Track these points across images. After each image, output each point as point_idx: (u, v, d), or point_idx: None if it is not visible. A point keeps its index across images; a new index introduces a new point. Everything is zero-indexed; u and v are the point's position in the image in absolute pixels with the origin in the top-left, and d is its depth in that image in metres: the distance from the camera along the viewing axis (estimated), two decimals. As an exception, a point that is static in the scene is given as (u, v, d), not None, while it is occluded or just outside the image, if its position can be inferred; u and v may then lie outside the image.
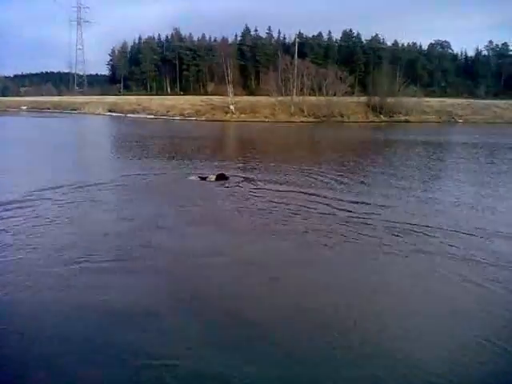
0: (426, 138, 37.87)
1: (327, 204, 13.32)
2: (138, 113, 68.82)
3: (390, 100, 64.51)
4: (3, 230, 10.52)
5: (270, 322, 6.59)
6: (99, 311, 6.83)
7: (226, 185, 16.00)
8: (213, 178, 16.52)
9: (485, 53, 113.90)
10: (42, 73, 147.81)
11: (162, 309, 6.94)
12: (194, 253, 9.35)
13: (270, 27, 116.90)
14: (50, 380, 5.32)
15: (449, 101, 72.71)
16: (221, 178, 16.45)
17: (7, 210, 12.27)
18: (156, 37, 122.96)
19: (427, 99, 70.42)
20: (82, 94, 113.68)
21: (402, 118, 63.30)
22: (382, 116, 64.00)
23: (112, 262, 8.75)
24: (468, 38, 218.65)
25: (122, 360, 5.62)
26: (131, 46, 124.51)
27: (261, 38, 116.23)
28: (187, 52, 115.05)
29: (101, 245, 9.64)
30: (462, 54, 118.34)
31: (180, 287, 7.83)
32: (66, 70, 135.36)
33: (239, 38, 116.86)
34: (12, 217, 11.60)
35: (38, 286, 7.63)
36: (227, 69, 67.68)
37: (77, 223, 11.42)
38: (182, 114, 65.37)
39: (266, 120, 61.05)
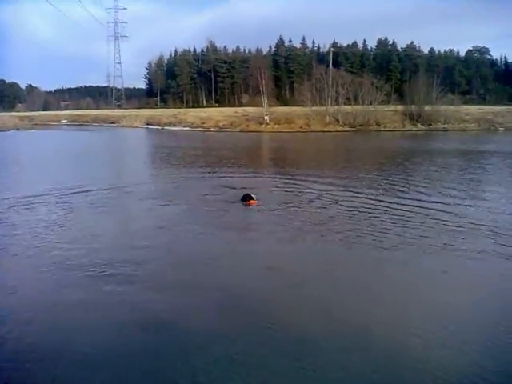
0: (474, 147, 36.76)
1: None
2: (174, 125, 69.85)
3: (427, 108, 63.38)
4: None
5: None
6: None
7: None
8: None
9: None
10: (81, 87, 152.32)
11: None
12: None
13: (304, 37, 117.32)
14: None
15: (488, 108, 70.90)
16: (245, 199, 14.68)
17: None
18: (191, 50, 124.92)
19: (466, 107, 68.90)
20: (120, 107, 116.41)
21: (441, 126, 62.03)
22: (419, 124, 62.88)
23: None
24: (508, 43, 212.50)
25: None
26: (167, 60, 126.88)
27: (295, 48, 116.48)
28: (222, 64, 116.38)
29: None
30: (501, 59, 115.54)
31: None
32: (105, 84, 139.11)
33: (273, 49, 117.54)
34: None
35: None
36: (262, 80, 68.01)
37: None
38: (217, 126, 65.96)
39: (301, 130, 60.88)
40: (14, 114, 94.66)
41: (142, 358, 5.90)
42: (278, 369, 5.65)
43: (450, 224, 12.03)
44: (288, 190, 17.32)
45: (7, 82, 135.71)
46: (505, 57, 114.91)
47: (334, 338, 6.38)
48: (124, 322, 6.85)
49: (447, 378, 5.46)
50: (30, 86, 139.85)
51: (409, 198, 15.46)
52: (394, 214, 13.17)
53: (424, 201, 14.96)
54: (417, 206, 14.11)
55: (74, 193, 16.80)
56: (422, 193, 16.57)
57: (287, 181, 19.45)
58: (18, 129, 67.93)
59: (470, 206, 14.43)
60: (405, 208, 13.90)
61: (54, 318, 7.14)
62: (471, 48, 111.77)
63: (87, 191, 17.10)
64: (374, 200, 15.22)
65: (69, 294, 7.91)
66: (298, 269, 9.08)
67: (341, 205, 14.48)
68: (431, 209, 13.77)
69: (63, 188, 17.63)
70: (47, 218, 13.13)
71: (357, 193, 16.58)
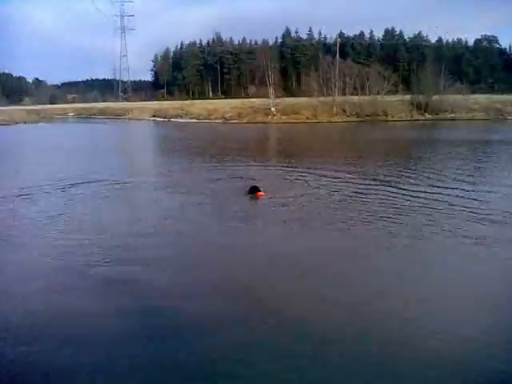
0: (482, 137, 36.37)
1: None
2: (181, 117, 69.76)
3: (435, 98, 62.91)
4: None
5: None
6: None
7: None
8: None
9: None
10: (87, 80, 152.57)
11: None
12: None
13: (310, 28, 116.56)
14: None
15: (497, 97, 70.17)
16: (253, 190, 14.44)
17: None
18: (197, 42, 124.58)
19: (474, 96, 68.26)
20: (127, 100, 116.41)
21: (449, 115, 61.54)
22: (427, 114, 62.43)
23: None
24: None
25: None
26: (173, 52, 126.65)
27: (301, 39, 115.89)
28: (228, 56, 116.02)
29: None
30: (510, 48, 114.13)
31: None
32: (111, 77, 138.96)
33: (280, 40, 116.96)
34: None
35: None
36: (268, 71, 67.74)
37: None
38: (223, 117, 65.77)
39: (308, 121, 60.62)
40: (21, 107, 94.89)
41: (147, 341, 5.96)
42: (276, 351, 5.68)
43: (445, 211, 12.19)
44: (296, 180, 17.34)
45: (14, 75, 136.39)
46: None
47: (333, 324, 6.40)
48: (126, 308, 6.93)
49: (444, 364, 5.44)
50: (37, 79, 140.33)
51: (419, 189, 15.44)
52: (403, 204, 13.18)
53: (430, 191, 14.97)
54: (423, 196, 14.17)
55: (79, 184, 16.98)
56: (431, 183, 16.54)
57: (295, 171, 19.46)
58: (25, 122, 68.08)
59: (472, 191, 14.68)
60: (414, 197, 13.95)
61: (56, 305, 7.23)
62: (480, 37, 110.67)
63: (92, 182, 17.32)
64: (382, 190, 15.21)
65: (68, 278, 8.14)
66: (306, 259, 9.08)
67: (348, 195, 14.50)
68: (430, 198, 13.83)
69: (67, 178, 17.88)
70: (51, 207, 13.40)
71: (364, 183, 16.57)
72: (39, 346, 5.92)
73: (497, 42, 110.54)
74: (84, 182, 17.15)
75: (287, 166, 21.22)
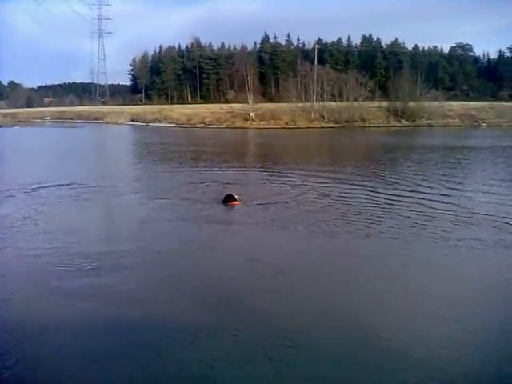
0: (455, 143, 37.02)
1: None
2: (159, 122, 69.51)
3: (411, 104, 63.98)
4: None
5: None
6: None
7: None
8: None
9: (508, 55, 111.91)
10: (64, 84, 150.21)
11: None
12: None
13: (289, 34, 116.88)
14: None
15: (471, 104, 71.65)
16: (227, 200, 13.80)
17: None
18: (176, 46, 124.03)
19: (449, 103, 69.59)
20: (104, 104, 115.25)
21: (425, 122, 62.67)
22: (403, 120, 63.45)
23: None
24: (490, 40, 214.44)
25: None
26: (152, 56, 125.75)
27: (280, 45, 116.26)
28: (207, 61, 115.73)
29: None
30: (484, 56, 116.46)
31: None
32: (89, 81, 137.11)
33: (258, 46, 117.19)
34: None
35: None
36: (247, 76, 68.00)
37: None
38: (202, 122, 65.79)
39: (287, 126, 61.01)
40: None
41: (120, 354, 5.84)
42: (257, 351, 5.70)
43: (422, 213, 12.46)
44: (273, 185, 17.34)
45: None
46: (487, 53, 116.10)
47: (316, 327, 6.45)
48: (104, 315, 6.81)
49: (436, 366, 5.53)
50: (13, 82, 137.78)
51: (393, 190, 15.65)
52: (378, 205, 13.43)
53: (400, 194, 15.21)
54: (398, 197, 14.35)
55: (51, 187, 16.72)
56: (402, 186, 16.80)
57: (272, 176, 19.56)
58: (0, 126, 67.01)
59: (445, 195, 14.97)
60: (388, 199, 14.22)
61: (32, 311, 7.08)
62: (454, 45, 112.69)
63: (63, 185, 17.04)
64: (359, 192, 15.41)
65: (49, 283, 7.93)
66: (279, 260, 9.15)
67: (325, 199, 14.60)
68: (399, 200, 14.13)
69: (42, 182, 17.54)
70: (25, 211, 13.07)
71: (341, 187, 16.76)
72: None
73: (471, 50, 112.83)
74: (55, 185, 16.89)
75: (265, 171, 21.36)
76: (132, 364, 5.54)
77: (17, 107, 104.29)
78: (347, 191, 15.80)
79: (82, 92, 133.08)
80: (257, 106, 67.17)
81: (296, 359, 5.58)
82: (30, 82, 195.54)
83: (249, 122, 63.74)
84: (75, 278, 8.10)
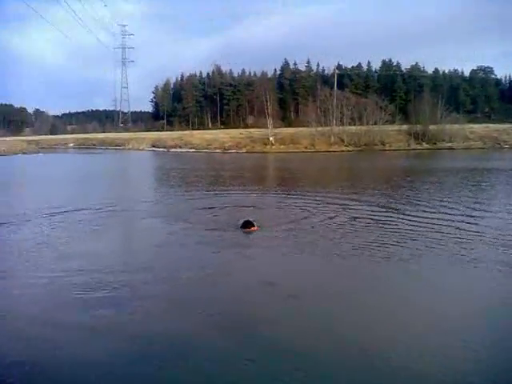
0: (479, 165, 36.33)
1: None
2: (180, 147, 70.20)
3: (432, 127, 63.52)
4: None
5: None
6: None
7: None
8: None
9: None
10: (88, 111, 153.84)
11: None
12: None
13: (308, 60, 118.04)
14: None
15: (493, 126, 70.80)
16: (245, 225, 13.51)
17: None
18: (198, 74, 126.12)
19: (471, 125, 68.91)
20: (127, 130, 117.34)
21: (446, 144, 62.04)
22: (424, 143, 62.96)
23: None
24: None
25: None
26: (174, 84, 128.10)
27: (300, 71, 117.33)
28: (227, 87, 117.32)
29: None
30: (506, 78, 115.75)
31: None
32: (111, 108, 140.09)
33: (278, 72, 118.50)
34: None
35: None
36: (267, 102, 68.54)
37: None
38: (222, 147, 66.22)
39: (306, 150, 61.03)
40: (21, 138, 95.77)
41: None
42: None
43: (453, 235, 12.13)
44: (291, 209, 17.13)
45: (15, 106, 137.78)
46: (509, 76, 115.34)
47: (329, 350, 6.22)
48: (120, 347, 6.64)
49: None
50: (38, 110, 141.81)
51: (413, 215, 15.29)
52: (399, 229, 13.13)
53: (425, 216, 14.85)
54: (422, 220, 14.00)
55: (69, 212, 16.77)
56: (424, 208, 16.43)
57: (290, 200, 19.36)
58: (24, 152, 68.53)
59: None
60: (410, 222, 13.91)
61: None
62: (475, 68, 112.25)
63: (82, 210, 17.14)
64: (377, 217, 15.12)
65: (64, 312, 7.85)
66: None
67: (348, 223, 14.32)
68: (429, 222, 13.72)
69: (62, 207, 17.64)
70: (46, 234, 13.19)
71: (363, 209, 16.57)
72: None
73: (492, 72, 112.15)
74: (74, 210, 16.98)
75: (284, 194, 21.28)
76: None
77: (41, 134, 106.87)
78: (369, 214, 15.55)
79: (105, 119, 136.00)
80: (276, 130, 67.53)
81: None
82: (55, 109, 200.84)
83: (268, 146, 63.99)
84: (89, 307, 7.96)
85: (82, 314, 7.61)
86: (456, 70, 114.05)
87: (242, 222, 13.73)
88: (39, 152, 70.98)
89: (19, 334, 7.04)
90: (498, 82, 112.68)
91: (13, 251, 11.45)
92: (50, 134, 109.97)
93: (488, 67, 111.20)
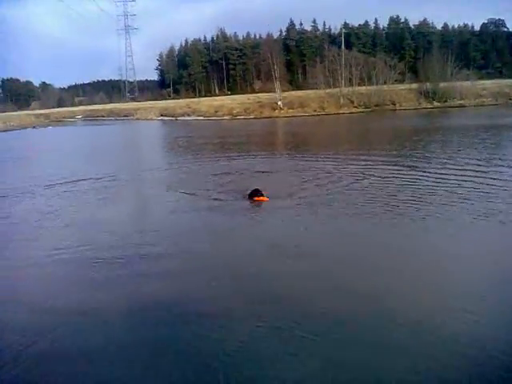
0: (495, 122, 35.84)
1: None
2: (188, 115, 69.92)
3: (442, 85, 62.47)
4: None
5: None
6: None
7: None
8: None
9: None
10: (94, 82, 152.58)
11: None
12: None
13: (314, 20, 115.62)
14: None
15: (505, 82, 69.37)
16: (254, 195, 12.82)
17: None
18: (202, 39, 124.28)
19: (482, 82, 67.63)
20: (134, 100, 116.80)
21: (457, 102, 61.09)
22: (435, 102, 62.05)
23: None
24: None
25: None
26: (178, 50, 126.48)
27: (306, 31, 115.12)
28: (233, 51, 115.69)
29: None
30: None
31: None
32: (117, 78, 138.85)
33: (284, 33, 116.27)
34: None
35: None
36: (273, 65, 67.63)
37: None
38: (230, 114, 65.84)
39: (315, 113, 60.53)
40: (29, 112, 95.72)
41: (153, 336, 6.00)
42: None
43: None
44: (304, 172, 17.12)
45: (21, 80, 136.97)
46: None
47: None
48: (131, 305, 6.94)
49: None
50: (44, 83, 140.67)
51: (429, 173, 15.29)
52: (416, 185, 13.46)
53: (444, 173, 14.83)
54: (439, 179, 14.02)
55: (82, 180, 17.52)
56: (442, 167, 16.38)
57: (302, 164, 19.31)
58: (34, 126, 68.72)
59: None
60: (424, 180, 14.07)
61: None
62: (486, 21, 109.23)
63: (91, 179, 17.82)
64: (403, 177, 15.13)
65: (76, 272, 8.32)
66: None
67: (361, 182, 14.46)
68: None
69: (73, 176, 18.45)
70: (61, 202, 14.01)
71: (380, 168, 16.63)
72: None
73: (504, 25, 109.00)
74: (85, 179, 17.74)
75: (296, 158, 21.32)
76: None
77: (48, 107, 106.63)
78: (384, 173, 15.64)
79: (112, 89, 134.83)
80: (284, 94, 66.87)
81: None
82: (61, 82, 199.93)
83: (277, 110, 63.50)
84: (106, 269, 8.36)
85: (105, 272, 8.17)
86: (466, 25, 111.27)
87: (250, 191, 13.04)
88: (49, 125, 71.09)
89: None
90: (509, 35, 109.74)
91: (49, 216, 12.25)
92: (58, 107, 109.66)
93: (499, 20, 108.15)
